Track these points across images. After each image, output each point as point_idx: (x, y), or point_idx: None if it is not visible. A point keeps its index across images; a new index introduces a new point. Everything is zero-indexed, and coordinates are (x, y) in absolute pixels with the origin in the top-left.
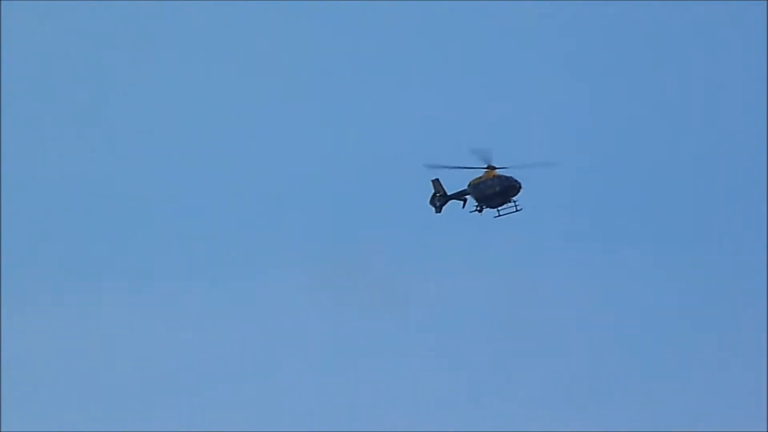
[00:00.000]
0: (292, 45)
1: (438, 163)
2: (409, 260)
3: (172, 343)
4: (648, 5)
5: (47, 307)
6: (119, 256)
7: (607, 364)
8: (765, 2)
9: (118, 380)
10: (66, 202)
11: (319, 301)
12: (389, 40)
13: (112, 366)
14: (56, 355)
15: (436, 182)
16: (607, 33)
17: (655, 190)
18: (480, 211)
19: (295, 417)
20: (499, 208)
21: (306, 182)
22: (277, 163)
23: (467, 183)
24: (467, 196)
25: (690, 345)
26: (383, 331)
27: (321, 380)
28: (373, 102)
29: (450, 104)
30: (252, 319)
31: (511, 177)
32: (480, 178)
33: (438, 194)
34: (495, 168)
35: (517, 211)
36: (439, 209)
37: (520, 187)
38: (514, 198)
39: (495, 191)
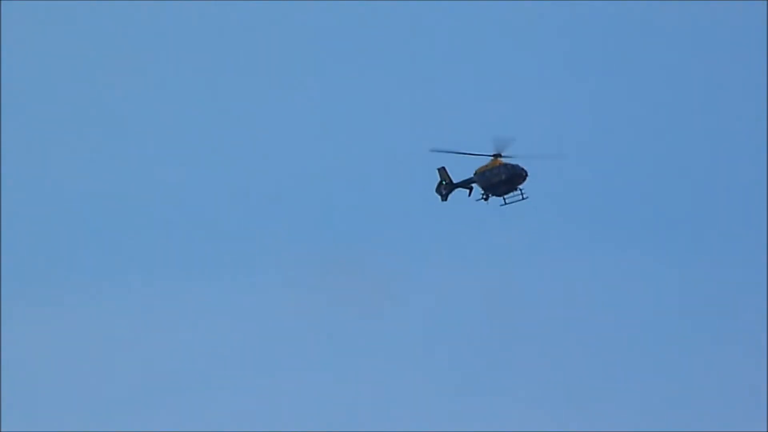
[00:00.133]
0: (292, 44)
1: (444, 147)
2: (406, 258)
3: (171, 342)
4: (648, 5)
5: (47, 307)
6: (118, 256)
7: (606, 364)
8: (765, 2)
9: (117, 380)
10: (65, 202)
11: (316, 299)
12: (388, 39)
13: (112, 366)
14: (56, 355)
15: (442, 170)
16: (607, 33)
17: (656, 189)
18: (486, 199)
19: (292, 416)
20: (506, 197)
21: (303, 181)
22: (274, 162)
23: (473, 171)
24: (473, 185)
25: (690, 345)
26: (381, 329)
27: (318, 379)
28: (372, 101)
29: (449, 104)
30: (249, 318)
31: (517, 165)
32: (486, 166)
33: (444, 182)
34: (501, 156)
35: (523, 199)
36: (445, 197)
37: (526, 175)
38: (521, 186)
39: (501, 179)
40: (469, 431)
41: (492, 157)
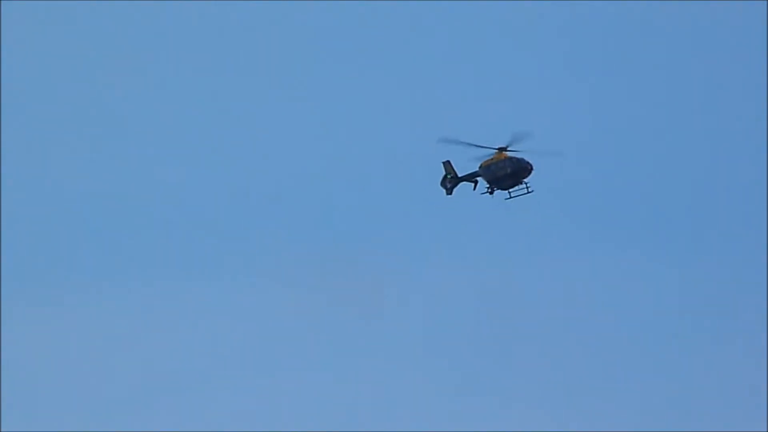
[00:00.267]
0: (290, 44)
1: (453, 138)
2: (406, 258)
3: (171, 342)
4: (648, 5)
5: (47, 307)
6: (118, 255)
7: (606, 364)
8: (765, 2)
9: (117, 380)
10: (66, 202)
11: (316, 299)
12: (388, 39)
13: (112, 366)
14: (56, 355)
15: (447, 164)
16: (608, 33)
17: (656, 189)
18: (491, 192)
19: (291, 416)
20: (510, 190)
21: (303, 180)
22: (273, 161)
23: (478, 165)
24: (478, 178)
25: (690, 345)
26: (381, 329)
27: (318, 379)
28: (371, 101)
29: (449, 103)
30: (248, 318)
31: (522, 158)
32: (491, 159)
33: (449, 176)
34: (506, 150)
35: (528, 192)
36: (450, 191)
37: (531, 169)
38: (526, 180)
39: (506, 173)
40: (469, 431)
41: (497, 151)
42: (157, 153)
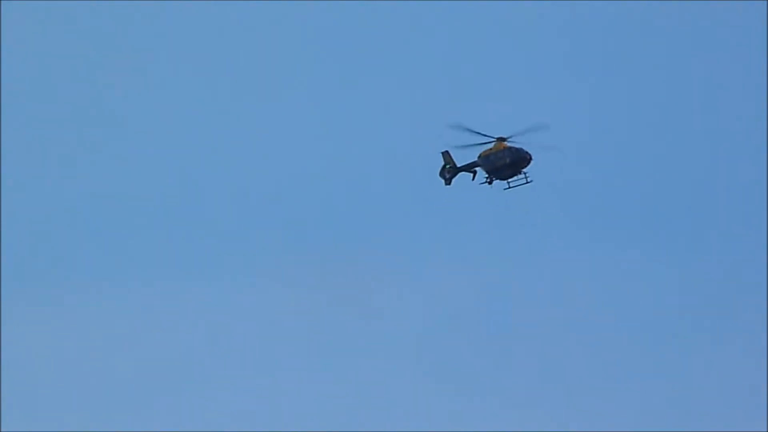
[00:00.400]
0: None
1: (463, 125)
2: (404, 257)
3: (170, 342)
4: (648, 5)
5: (47, 307)
6: (118, 255)
7: (606, 364)
8: (765, 2)
9: (117, 380)
10: (65, 202)
11: (315, 299)
12: (386, 38)
13: (112, 366)
14: (56, 355)
15: (446, 154)
16: (607, 33)
17: (655, 189)
18: (490, 183)
19: (290, 416)
20: (509, 180)
21: (302, 180)
22: (272, 161)
23: (477, 155)
24: (477, 168)
25: (690, 345)
26: (380, 329)
27: (316, 379)
28: (370, 101)
29: (447, 103)
30: (247, 318)
31: (521, 148)
32: (490, 149)
33: (448, 166)
34: (505, 139)
35: (527, 182)
36: (448, 181)
37: (530, 159)
38: (525, 170)
39: (505, 163)
40: (469, 431)
41: (496, 141)
42: (156, 153)
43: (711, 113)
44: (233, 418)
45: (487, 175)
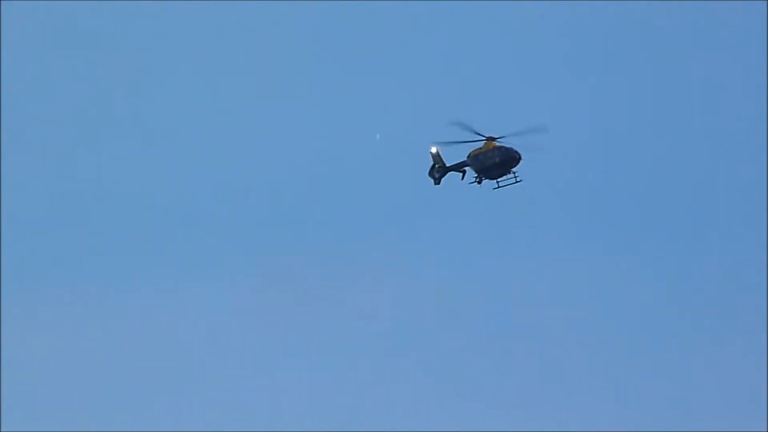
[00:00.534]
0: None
1: (465, 123)
2: (391, 257)
3: (168, 341)
4: (648, 5)
5: (47, 307)
6: (120, 256)
7: (606, 364)
8: (765, 2)
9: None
10: (65, 202)
11: (294, 300)
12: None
13: (112, 366)
14: (56, 354)
15: (436, 154)
16: (607, 33)
17: (654, 190)
18: (479, 182)
19: (268, 415)
20: (498, 180)
21: (295, 180)
22: (256, 162)
23: (466, 154)
24: (466, 168)
25: (690, 345)
26: (362, 328)
27: (292, 379)
28: (369, 101)
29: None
30: (222, 319)
31: (511, 148)
32: (480, 149)
33: (437, 165)
34: (495, 139)
35: (516, 182)
36: (438, 181)
37: (519, 158)
38: (514, 169)
39: (495, 162)
40: (462, 431)
41: (485, 140)
42: (150, 153)
43: (711, 113)
44: (231, 417)
45: (476, 175)
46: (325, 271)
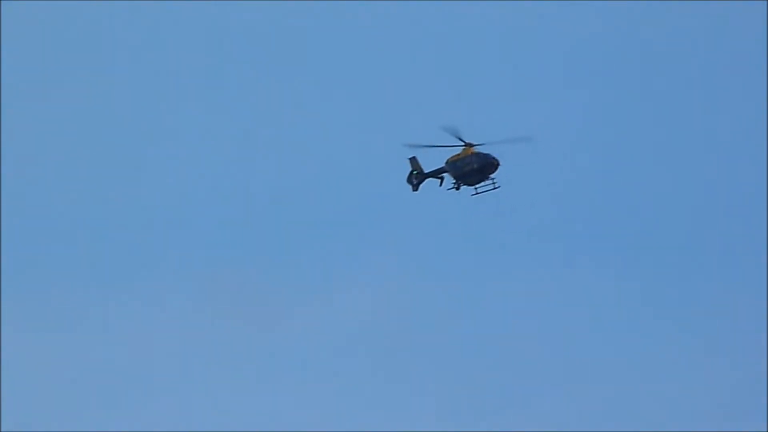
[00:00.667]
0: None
1: (418, 143)
2: (362, 264)
3: (166, 341)
4: (648, 5)
5: (47, 308)
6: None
7: (606, 363)
8: (765, 2)
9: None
10: (65, 202)
11: (213, 314)
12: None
13: (111, 367)
14: (56, 354)
15: (414, 160)
16: (607, 33)
17: (653, 191)
18: (457, 188)
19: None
20: (477, 186)
21: (241, 188)
22: (189, 172)
23: (445, 160)
24: (444, 174)
25: (690, 345)
26: (305, 342)
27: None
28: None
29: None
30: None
31: (489, 154)
32: (458, 155)
33: (415, 172)
34: (473, 145)
35: (495, 188)
36: (416, 187)
37: (498, 164)
38: (492, 175)
39: (473, 168)
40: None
41: (464, 147)
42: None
43: (711, 113)
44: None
45: (454, 181)
46: (294, 281)
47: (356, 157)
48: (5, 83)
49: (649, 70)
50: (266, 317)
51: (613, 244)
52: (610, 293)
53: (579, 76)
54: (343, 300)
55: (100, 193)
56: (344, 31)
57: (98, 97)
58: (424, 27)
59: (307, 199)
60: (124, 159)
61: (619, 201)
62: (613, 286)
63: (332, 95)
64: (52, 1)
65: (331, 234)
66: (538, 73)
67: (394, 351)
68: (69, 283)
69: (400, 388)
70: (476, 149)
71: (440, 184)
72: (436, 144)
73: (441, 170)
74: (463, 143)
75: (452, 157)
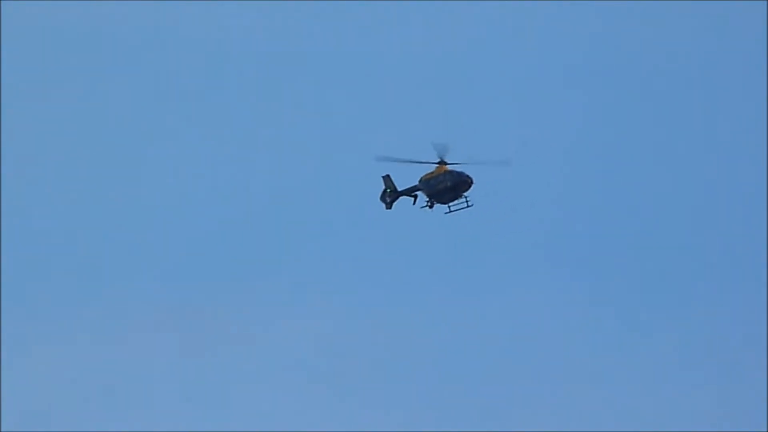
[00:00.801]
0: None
1: (389, 156)
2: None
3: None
4: (648, 5)
5: (47, 308)
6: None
7: (605, 363)
8: (765, 2)
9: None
10: (64, 202)
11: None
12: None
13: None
14: (56, 354)
15: (387, 178)
16: (607, 33)
17: (652, 192)
18: (431, 206)
19: None
20: (450, 204)
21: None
22: (174, 180)
23: (418, 179)
24: (418, 192)
25: (689, 345)
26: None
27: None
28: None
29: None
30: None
31: (462, 172)
32: (431, 173)
33: (388, 190)
34: (447, 163)
35: (468, 206)
36: (389, 205)
37: (471, 183)
38: (465, 193)
39: (446, 186)
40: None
41: (437, 164)
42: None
43: (711, 113)
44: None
45: (428, 199)
46: (261, 301)
47: (331, 169)
48: (5, 83)
49: (649, 70)
50: (246, 326)
51: (613, 244)
52: (610, 293)
53: (579, 76)
54: (318, 312)
55: (100, 193)
56: (344, 31)
57: (98, 97)
58: (425, 27)
59: (305, 201)
60: (124, 159)
61: (619, 201)
62: (613, 286)
63: (331, 96)
64: (52, 1)
65: (315, 240)
66: (538, 73)
67: (373, 364)
68: (69, 283)
69: (378, 399)
70: (450, 167)
71: (414, 202)
72: (409, 159)
73: (414, 188)
74: (438, 161)
75: (426, 175)
